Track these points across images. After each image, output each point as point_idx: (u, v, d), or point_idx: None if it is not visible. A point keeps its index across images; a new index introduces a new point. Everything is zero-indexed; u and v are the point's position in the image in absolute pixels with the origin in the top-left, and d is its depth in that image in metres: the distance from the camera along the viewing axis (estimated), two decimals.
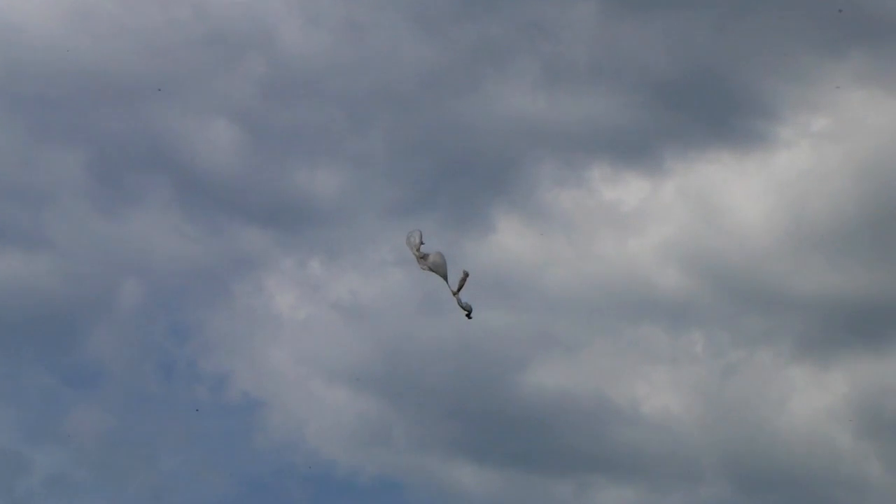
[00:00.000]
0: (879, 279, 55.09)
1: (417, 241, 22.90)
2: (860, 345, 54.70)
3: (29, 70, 57.44)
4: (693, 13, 59.42)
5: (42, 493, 50.27)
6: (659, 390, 54.52)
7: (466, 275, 22.88)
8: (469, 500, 51.98)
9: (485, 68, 60.60)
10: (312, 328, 56.82)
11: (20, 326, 54.80)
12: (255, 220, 59.14)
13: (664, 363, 55.50)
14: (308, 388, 55.19)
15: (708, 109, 60.50)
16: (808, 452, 52.04)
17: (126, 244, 57.91)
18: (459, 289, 22.93)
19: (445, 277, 22.96)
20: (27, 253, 56.38)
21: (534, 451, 52.32)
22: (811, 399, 53.34)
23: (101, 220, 58.00)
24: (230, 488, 51.79)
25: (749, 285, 56.94)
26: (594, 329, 55.99)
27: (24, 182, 57.85)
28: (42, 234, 56.96)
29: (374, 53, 60.31)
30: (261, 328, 57.07)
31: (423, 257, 22.83)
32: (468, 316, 23.05)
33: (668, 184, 59.49)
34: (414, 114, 60.31)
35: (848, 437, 51.84)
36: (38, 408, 52.75)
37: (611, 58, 60.51)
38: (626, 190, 59.43)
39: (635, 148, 60.66)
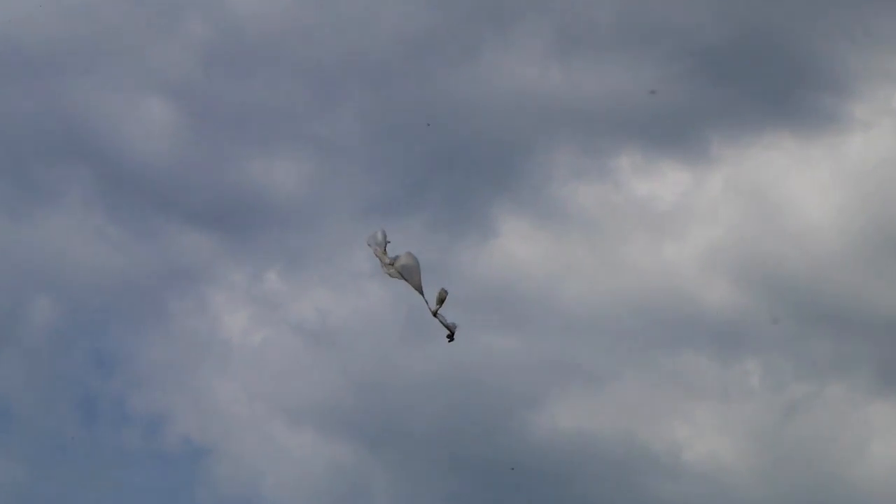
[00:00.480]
0: None
1: (381, 239, 21.75)
2: None
3: None
4: None
5: None
6: (705, 433, 48.88)
7: (445, 294, 21.72)
8: None
9: (484, 32, 54.42)
10: (270, 356, 50.81)
11: None
12: (196, 223, 53.35)
13: (711, 399, 49.82)
14: (265, 430, 49.25)
15: (764, 82, 54.30)
16: None
17: (36, 252, 51.69)
18: (438, 308, 21.79)
19: (419, 286, 21.77)
20: None
21: None
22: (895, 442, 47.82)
23: (3, 222, 52.12)
24: None
25: (816, 302, 51.30)
26: (623, 357, 50.25)
27: None
28: None
29: (345, 15, 54.18)
30: (205, 356, 51.13)
31: (390, 262, 21.70)
32: (450, 338, 21.73)
33: (714, 175, 53.70)
34: (396, 89, 54.49)
35: None
36: None
37: (641, 18, 54.39)
38: (661, 183, 53.76)
39: (673, 131, 54.78)
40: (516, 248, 52.02)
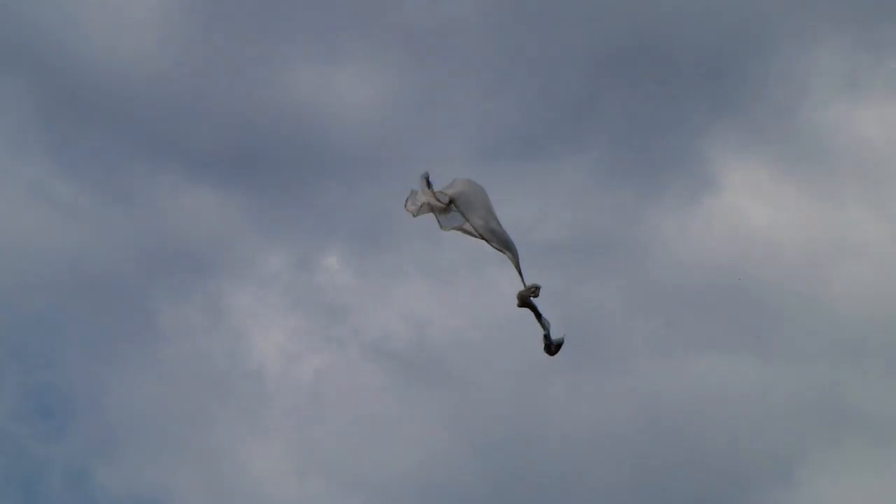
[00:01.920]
0: None
1: (424, 186, 17.01)
2: None
3: None
4: None
5: None
6: None
7: (536, 289, 16.73)
8: None
9: None
10: (329, 399, 34.93)
11: None
12: (204, 174, 36.87)
13: None
14: None
15: None
16: None
17: None
18: (530, 294, 16.55)
19: (489, 233, 16.60)
20: None
21: None
22: None
23: None
24: None
25: None
26: None
27: None
28: None
29: None
30: (222, 401, 35.07)
31: (444, 204, 16.74)
32: (550, 348, 16.71)
33: None
34: None
35: None
36: None
37: None
38: None
39: None
40: (750, 209, 35.29)
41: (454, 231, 17.16)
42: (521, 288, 16.72)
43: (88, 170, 36.39)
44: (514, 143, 37.12)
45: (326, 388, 34.33)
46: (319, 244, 36.23)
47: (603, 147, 38.19)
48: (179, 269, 35.53)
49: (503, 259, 16.85)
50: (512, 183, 36.37)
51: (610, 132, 38.06)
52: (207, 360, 34.08)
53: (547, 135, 37.85)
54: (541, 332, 16.86)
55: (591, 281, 34.05)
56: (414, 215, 17.19)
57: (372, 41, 37.61)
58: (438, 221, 17.01)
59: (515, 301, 16.93)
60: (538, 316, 16.93)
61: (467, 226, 16.94)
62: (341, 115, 37.01)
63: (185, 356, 34.17)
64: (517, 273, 16.65)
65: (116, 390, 33.63)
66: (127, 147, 36.70)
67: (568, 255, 34.42)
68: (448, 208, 17.04)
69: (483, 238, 16.84)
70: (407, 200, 17.26)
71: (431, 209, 17.08)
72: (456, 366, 34.32)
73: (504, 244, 16.81)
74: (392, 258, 35.31)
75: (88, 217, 35.42)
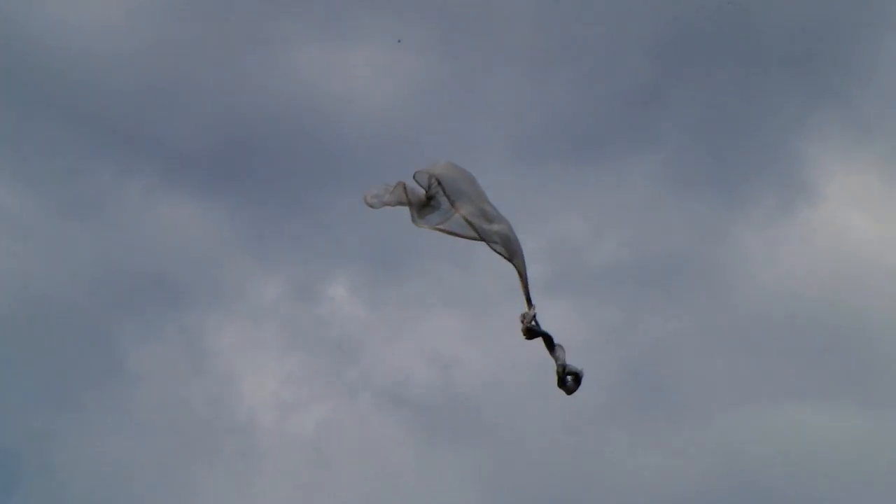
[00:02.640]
0: None
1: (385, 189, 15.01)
2: None
3: None
4: None
5: None
6: None
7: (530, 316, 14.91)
8: None
9: None
10: (335, 458, 30.69)
11: None
12: (187, 178, 34.42)
13: None
14: None
15: None
16: None
17: None
18: (530, 321, 14.73)
19: (484, 225, 14.71)
20: None
21: None
22: None
23: None
24: None
25: None
26: None
27: None
28: None
29: None
30: (207, 464, 30.44)
31: (424, 193, 14.78)
32: (567, 384, 14.61)
33: None
34: None
35: None
36: None
37: None
38: None
39: None
40: (855, 222, 31.15)
41: (440, 233, 14.77)
42: (525, 310, 14.64)
43: (38, 172, 31.16)
44: (563, 142, 33.20)
45: (331, 444, 29.99)
46: (324, 268, 31.75)
47: (673, 146, 33.93)
48: (151, 297, 31.14)
49: (508, 269, 14.47)
50: (559, 191, 33.02)
51: (682, 128, 33.84)
52: (186, 410, 29.74)
53: (604, 132, 33.63)
54: (553, 363, 14.73)
55: (657, 312, 30.73)
56: (375, 207, 14.80)
57: (392, 16, 32.99)
58: (412, 216, 14.79)
59: (521, 333, 14.83)
60: (550, 344, 14.91)
61: (455, 218, 14.56)
62: (354, 106, 32.70)
63: (158, 405, 29.94)
64: (522, 285, 14.57)
65: (72, 447, 29.01)
66: (86, 143, 31.74)
67: (629, 280, 31.18)
68: (430, 200, 14.73)
69: (476, 233, 14.47)
70: (370, 191, 14.89)
71: (405, 200, 14.71)
72: (489, 415, 29.89)
73: (505, 242, 14.49)
74: (412, 286, 31.53)
75: (38, 232, 30.68)
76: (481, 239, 14.93)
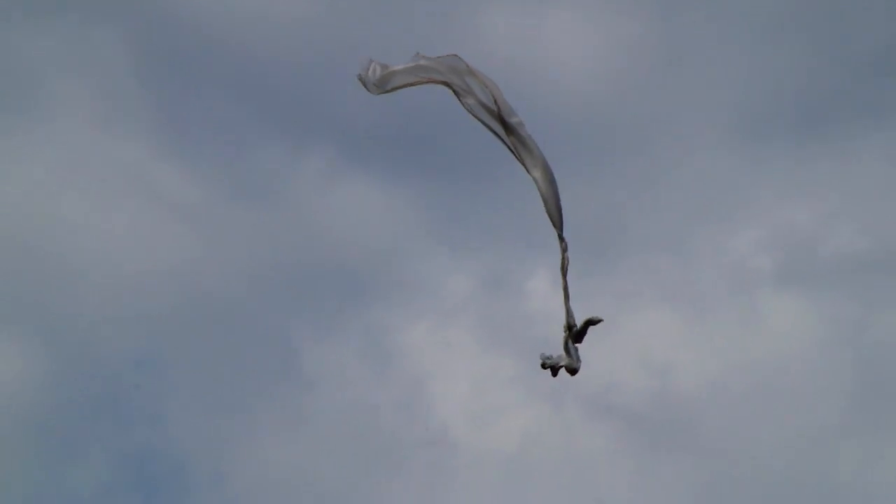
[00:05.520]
0: None
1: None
2: None
3: None
4: None
5: None
6: None
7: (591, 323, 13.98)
8: None
9: None
10: None
11: None
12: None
13: None
14: None
15: None
16: None
17: None
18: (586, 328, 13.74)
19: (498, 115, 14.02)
20: None
21: None
22: None
23: None
24: None
25: None
26: None
27: None
28: None
29: None
30: None
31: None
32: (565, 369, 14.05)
33: None
34: None
35: None
36: None
37: None
38: None
39: None
40: None
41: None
42: (566, 309, 13.47)
43: (203, 153, 27.88)
44: (791, 117, 29.29)
45: (535, 457, 26.19)
46: (522, 258, 28.02)
47: None
48: (330, 291, 27.53)
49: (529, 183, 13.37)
50: (787, 173, 29.29)
51: None
52: (369, 418, 26.12)
53: (839, 104, 29.53)
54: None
55: None
56: (378, 90, 13.55)
57: None
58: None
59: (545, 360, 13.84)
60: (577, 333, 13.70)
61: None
62: (554, 75, 28.91)
63: (337, 411, 26.14)
64: (552, 227, 13.36)
65: (243, 457, 25.98)
66: (255, 120, 28.16)
67: (866, 271, 27.40)
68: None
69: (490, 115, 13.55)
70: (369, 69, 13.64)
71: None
72: (710, 425, 26.20)
73: (522, 144, 13.46)
74: (623, 277, 27.57)
75: (205, 218, 27.02)
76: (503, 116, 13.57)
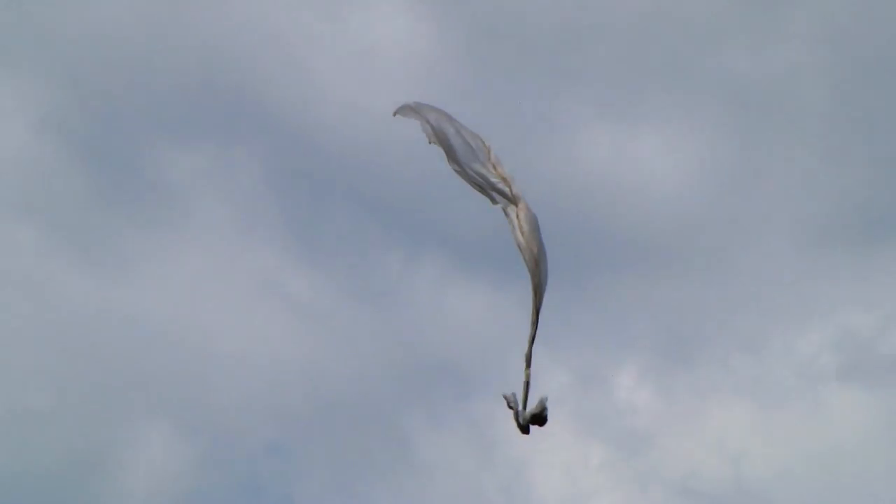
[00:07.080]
0: None
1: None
2: None
3: None
4: None
5: None
6: None
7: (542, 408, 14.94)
8: None
9: None
10: None
11: None
12: None
13: None
14: None
15: None
16: None
17: None
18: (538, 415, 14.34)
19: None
20: None
21: None
22: None
23: None
24: None
25: None
26: None
27: None
28: None
29: None
30: None
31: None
32: (529, 423, 14.17)
33: None
34: None
35: None
36: None
37: None
38: None
39: None
40: None
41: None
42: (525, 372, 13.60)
43: (330, 260, 29.34)
44: (852, 228, 28.85)
45: None
46: (611, 355, 29.27)
47: None
48: (442, 384, 28.72)
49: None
50: (849, 279, 29.39)
51: None
52: (477, 501, 26.68)
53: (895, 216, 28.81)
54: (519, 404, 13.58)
55: None
56: (407, 112, 13.78)
57: (680, 96, 30.18)
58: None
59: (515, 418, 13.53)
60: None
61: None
62: (639, 187, 29.75)
63: (449, 497, 26.79)
64: (532, 297, 12.45)
65: None
66: (377, 231, 29.48)
67: None
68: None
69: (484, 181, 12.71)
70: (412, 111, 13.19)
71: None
72: None
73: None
74: (703, 373, 28.29)
75: (330, 317, 28.41)
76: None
